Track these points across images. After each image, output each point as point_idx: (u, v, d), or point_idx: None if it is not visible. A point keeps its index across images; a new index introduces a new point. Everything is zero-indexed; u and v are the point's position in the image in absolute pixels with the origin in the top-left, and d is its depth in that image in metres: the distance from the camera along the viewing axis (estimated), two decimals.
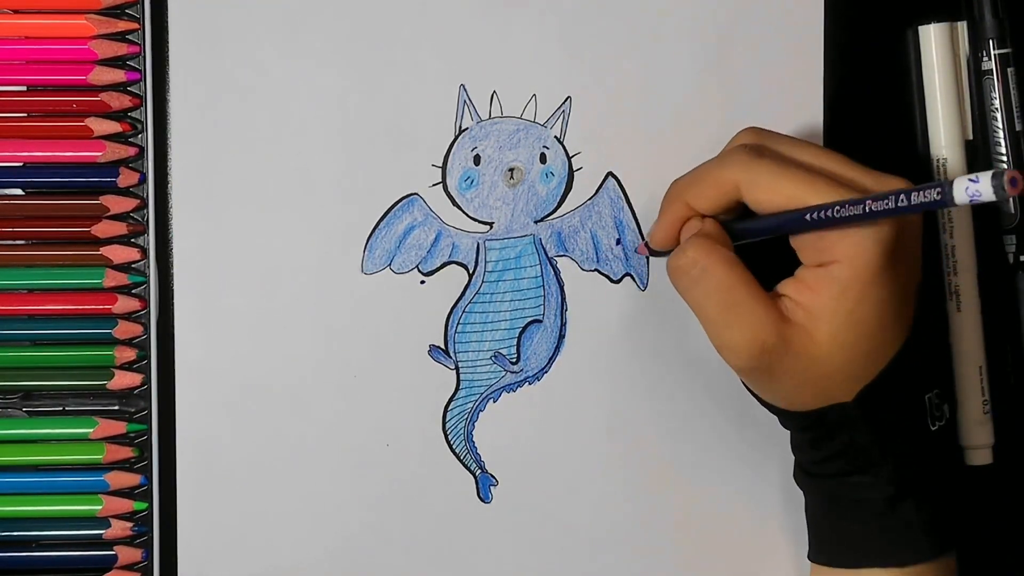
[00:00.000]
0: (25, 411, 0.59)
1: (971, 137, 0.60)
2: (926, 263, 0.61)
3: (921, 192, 0.44)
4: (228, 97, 0.58)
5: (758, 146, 0.52)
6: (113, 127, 0.58)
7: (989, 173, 0.42)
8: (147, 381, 0.58)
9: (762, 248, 0.53)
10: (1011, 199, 0.60)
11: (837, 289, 0.49)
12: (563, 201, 0.59)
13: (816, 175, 0.50)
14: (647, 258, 0.59)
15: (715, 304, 0.51)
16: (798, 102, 0.60)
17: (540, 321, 0.59)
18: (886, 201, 0.46)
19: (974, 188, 0.42)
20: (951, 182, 0.43)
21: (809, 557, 0.55)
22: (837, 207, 0.48)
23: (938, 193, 0.44)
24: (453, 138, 0.59)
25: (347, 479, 0.59)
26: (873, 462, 0.51)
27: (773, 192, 0.50)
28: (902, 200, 0.45)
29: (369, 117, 0.58)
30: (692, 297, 0.52)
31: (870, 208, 0.46)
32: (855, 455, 0.52)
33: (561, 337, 0.60)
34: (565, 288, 0.59)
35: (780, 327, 0.50)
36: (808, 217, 0.49)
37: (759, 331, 0.50)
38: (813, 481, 0.54)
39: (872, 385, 0.51)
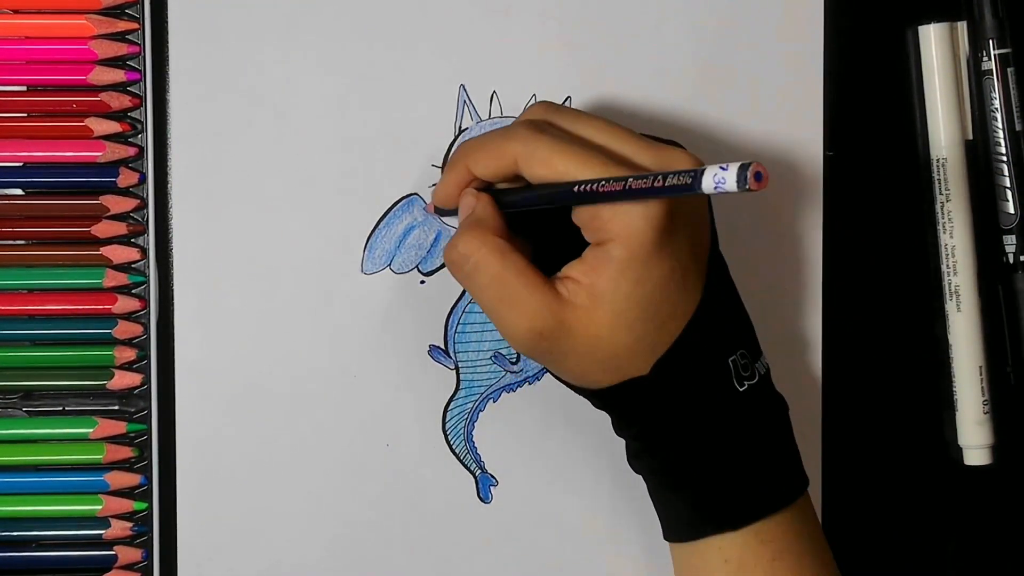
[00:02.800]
0: (25, 411, 0.59)
1: (971, 137, 0.61)
2: (926, 263, 0.61)
3: (676, 176, 0.45)
4: (228, 97, 0.58)
5: (542, 121, 0.52)
6: (113, 127, 0.58)
7: (737, 165, 0.42)
8: (147, 381, 0.58)
9: (550, 223, 0.52)
10: (1014, 201, 0.60)
11: (615, 269, 0.49)
12: None
13: (593, 151, 0.50)
14: None
15: (490, 296, 0.51)
16: (798, 102, 0.60)
17: None
18: (643, 180, 0.46)
19: (721, 176, 0.43)
20: (703, 170, 0.44)
21: (664, 538, 0.55)
22: (602, 183, 0.48)
23: (689, 178, 0.44)
24: (453, 138, 0.59)
25: (347, 479, 0.59)
26: (677, 430, 0.52)
27: (547, 167, 0.50)
28: (658, 181, 0.46)
29: (369, 117, 0.58)
30: (469, 288, 0.52)
31: (630, 186, 0.47)
32: (659, 425, 0.52)
33: None
34: None
35: (557, 311, 0.50)
36: (576, 189, 0.49)
37: (534, 319, 0.50)
38: (635, 461, 0.54)
39: (667, 355, 0.51)
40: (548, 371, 0.54)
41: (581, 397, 0.53)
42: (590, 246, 0.50)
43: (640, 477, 0.54)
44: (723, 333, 0.52)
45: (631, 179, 0.47)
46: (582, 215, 0.50)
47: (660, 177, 0.46)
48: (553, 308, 0.50)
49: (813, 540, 0.53)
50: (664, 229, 0.49)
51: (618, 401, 0.52)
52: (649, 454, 0.53)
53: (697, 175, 0.44)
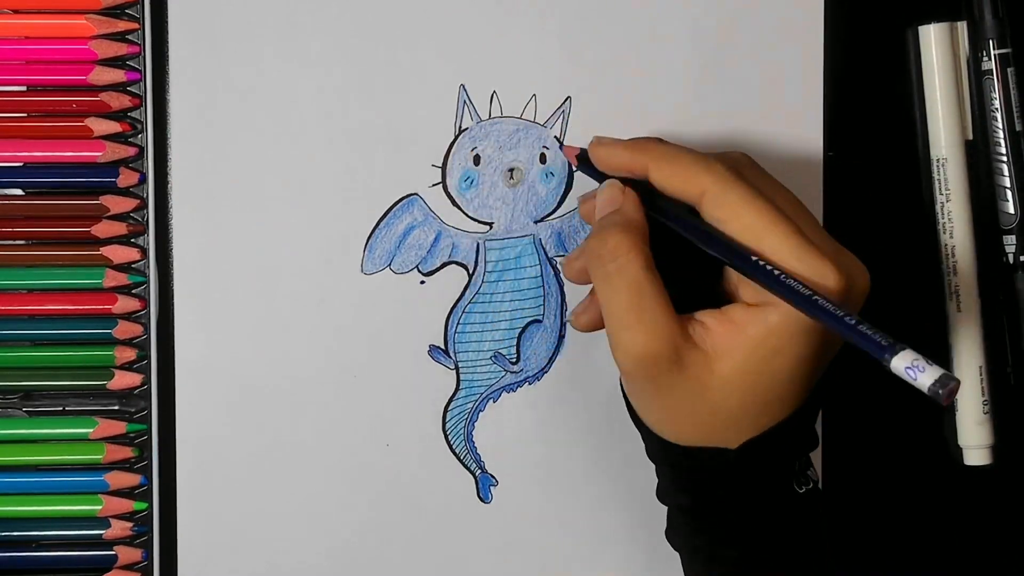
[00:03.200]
0: (25, 411, 0.59)
1: (971, 137, 0.61)
2: (926, 263, 0.61)
3: (871, 332, 0.44)
4: (228, 97, 0.58)
5: (742, 168, 0.51)
6: (113, 127, 0.58)
7: (937, 373, 0.42)
8: (147, 381, 0.58)
9: (687, 259, 0.51)
10: (1014, 201, 0.60)
11: (762, 332, 0.48)
12: (563, 201, 0.59)
13: (788, 222, 0.48)
14: None
15: (621, 301, 0.49)
16: (798, 102, 0.60)
17: (540, 321, 0.60)
18: (835, 310, 0.45)
19: (919, 368, 0.42)
20: (900, 350, 0.43)
21: None
22: (786, 276, 0.47)
23: (886, 343, 0.43)
24: (453, 138, 0.59)
25: (347, 479, 0.59)
26: (737, 514, 0.51)
27: (735, 216, 0.48)
28: (850, 319, 0.44)
29: (369, 117, 0.58)
30: (602, 287, 0.50)
31: (816, 300, 0.45)
32: (722, 504, 0.51)
33: (561, 337, 0.60)
34: (565, 288, 0.59)
35: (679, 344, 0.49)
36: (756, 260, 0.47)
37: (655, 340, 0.49)
38: (681, 531, 0.53)
39: (758, 440, 0.50)
40: (631, 416, 0.53)
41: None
42: (738, 304, 0.49)
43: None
44: (803, 436, 0.52)
45: (821, 298, 0.45)
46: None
47: (852, 319, 0.44)
48: (677, 340, 0.49)
49: None
50: None
51: (688, 464, 0.51)
52: (702, 529, 0.52)
53: (893, 349, 0.43)
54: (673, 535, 0.53)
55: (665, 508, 0.54)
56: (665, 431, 0.51)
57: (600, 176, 0.54)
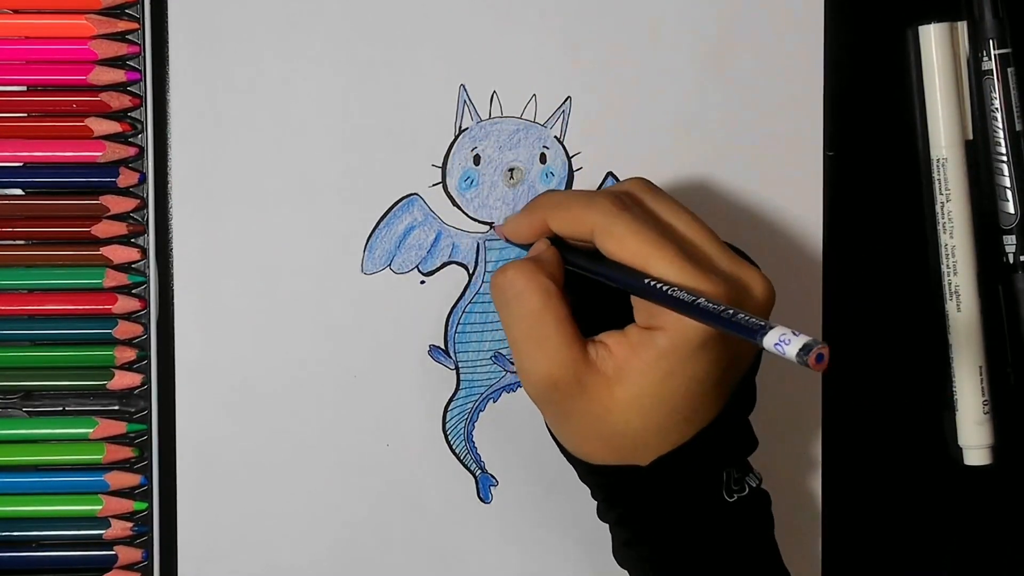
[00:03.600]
0: (25, 411, 0.59)
1: (971, 137, 0.61)
2: (926, 263, 0.61)
3: (746, 318, 0.45)
4: (228, 97, 0.58)
5: (628, 196, 0.52)
6: (113, 127, 0.58)
7: (804, 340, 0.43)
8: (147, 381, 0.58)
9: (602, 289, 0.52)
10: (1014, 201, 0.60)
11: (653, 355, 0.49)
12: None
13: (670, 243, 0.50)
14: None
15: (521, 329, 0.51)
16: (798, 102, 0.60)
17: None
18: (713, 306, 0.46)
19: (786, 339, 0.43)
20: (771, 327, 0.44)
21: None
22: (673, 288, 0.48)
23: (759, 326, 0.44)
24: (453, 138, 0.59)
25: (347, 479, 0.59)
26: (660, 529, 0.52)
27: (621, 246, 0.50)
28: (726, 313, 0.46)
29: (369, 117, 0.58)
30: (503, 316, 0.52)
31: (698, 304, 0.47)
32: (645, 518, 0.52)
33: None
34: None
35: (580, 370, 0.50)
36: (646, 282, 0.49)
37: (555, 367, 0.50)
38: (622, 551, 0.53)
39: (670, 455, 0.51)
40: (552, 439, 0.54)
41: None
42: (634, 324, 0.51)
43: None
44: (727, 446, 0.52)
45: (703, 300, 0.47)
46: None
47: (730, 311, 0.46)
48: (578, 365, 0.50)
49: None
50: (713, 338, 0.49)
51: (608, 482, 0.52)
52: (633, 545, 0.52)
53: (764, 329, 0.44)
54: (616, 554, 0.54)
55: None
56: (580, 452, 0.53)
57: (526, 247, 0.55)
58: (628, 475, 0.51)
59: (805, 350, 0.43)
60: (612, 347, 0.50)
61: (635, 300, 0.51)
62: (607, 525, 0.54)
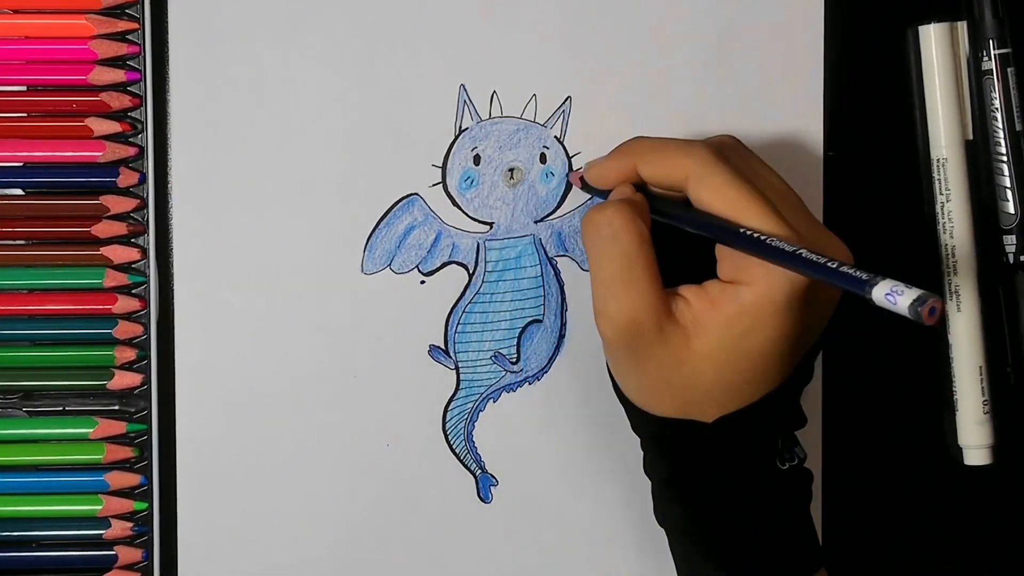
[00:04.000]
0: (25, 411, 0.59)
1: (971, 137, 0.61)
2: (925, 263, 0.61)
3: (852, 269, 0.45)
4: (228, 97, 0.58)
5: (726, 149, 0.52)
6: (113, 127, 0.58)
7: (915, 293, 0.42)
8: (147, 381, 0.58)
9: (681, 247, 0.52)
10: (1014, 201, 0.60)
11: (735, 310, 0.49)
12: (563, 201, 0.59)
13: (765, 199, 0.50)
14: None
15: (611, 270, 0.51)
16: (798, 102, 0.60)
17: (540, 321, 0.60)
18: (819, 258, 0.46)
19: (898, 291, 0.43)
20: (879, 279, 0.43)
21: None
22: (772, 238, 0.48)
23: (865, 277, 0.44)
24: (453, 138, 0.59)
25: (347, 479, 0.59)
26: (712, 488, 0.52)
27: (717, 195, 0.50)
28: (831, 263, 0.45)
29: (369, 117, 0.58)
30: (594, 254, 0.51)
31: (800, 254, 0.46)
32: (699, 477, 0.52)
33: (561, 337, 0.60)
34: (565, 288, 0.59)
35: (661, 317, 0.50)
36: (742, 231, 0.49)
37: (640, 310, 0.50)
38: (666, 507, 0.53)
39: (735, 415, 0.51)
40: (614, 389, 0.54)
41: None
42: (715, 280, 0.50)
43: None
44: (784, 415, 0.52)
45: (805, 251, 0.46)
46: (728, 250, 0.50)
47: (835, 262, 0.45)
48: (661, 312, 0.50)
49: None
50: (799, 299, 0.49)
51: (665, 435, 0.52)
52: (682, 503, 0.52)
53: (874, 279, 0.43)
54: (658, 511, 0.54)
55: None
56: (644, 403, 0.52)
57: (604, 193, 0.55)
58: (689, 430, 0.51)
59: (919, 302, 0.41)
60: (691, 300, 0.50)
61: (720, 254, 0.50)
62: (649, 487, 0.53)
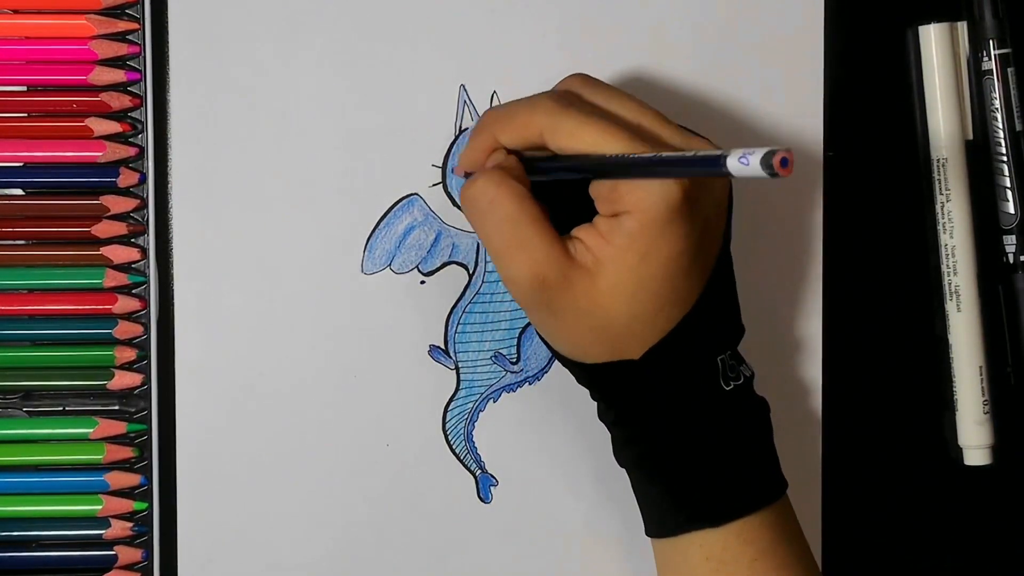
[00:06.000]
0: (25, 411, 0.59)
1: (971, 137, 0.61)
2: (926, 263, 0.61)
3: (703, 153, 0.45)
4: (228, 97, 0.58)
5: (569, 93, 0.52)
6: (113, 127, 0.58)
7: (762, 151, 0.42)
8: (147, 381, 0.58)
9: (566, 194, 0.52)
10: (1014, 201, 0.60)
11: (625, 240, 0.49)
12: None
13: (620, 127, 0.50)
14: None
15: (501, 237, 0.51)
16: (798, 102, 0.60)
17: None
18: (674, 155, 0.47)
19: (747, 161, 0.43)
20: (729, 152, 0.43)
21: (646, 533, 0.55)
22: (632, 155, 0.48)
23: (717, 159, 0.44)
24: (453, 138, 0.59)
25: (347, 479, 0.59)
26: (658, 422, 0.52)
27: (574, 139, 0.50)
28: (687, 156, 0.46)
29: (369, 117, 0.58)
30: (479, 228, 0.51)
31: (657, 158, 0.47)
32: (643, 414, 0.52)
33: None
34: None
35: (563, 265, 0.50)
36: (605, 159, 0.49)
37: (540, 265, 0.50)
38: (620, 452, 0.54)
39: (661, 344, 0.51)
40: (543, 342, 0.54)
41: (578, 393, 0.53)
42: (599, 216, 0.50)
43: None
44: (717, 331, 0.52)
45: (662, 154, 0.47)
46: (601, 187, 0.50)
47: (689, 152, 0.46)
48: (560, 260, 0.50)
49: (794, 542, 0.54)
50: (679, 210, 0.49)
51: (604, 381, 0.52)
52: (633, 443, 0.53)
53: (724, 154, 0.43)
54: (616, 454, 0.54)
55: None
56: (573, 353, 0.53)
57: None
58: (622, 370, 0.51)
59: (767, 157, 0.42)
60: (586, 240, 0.50)
61: (595, 191, 0.50)
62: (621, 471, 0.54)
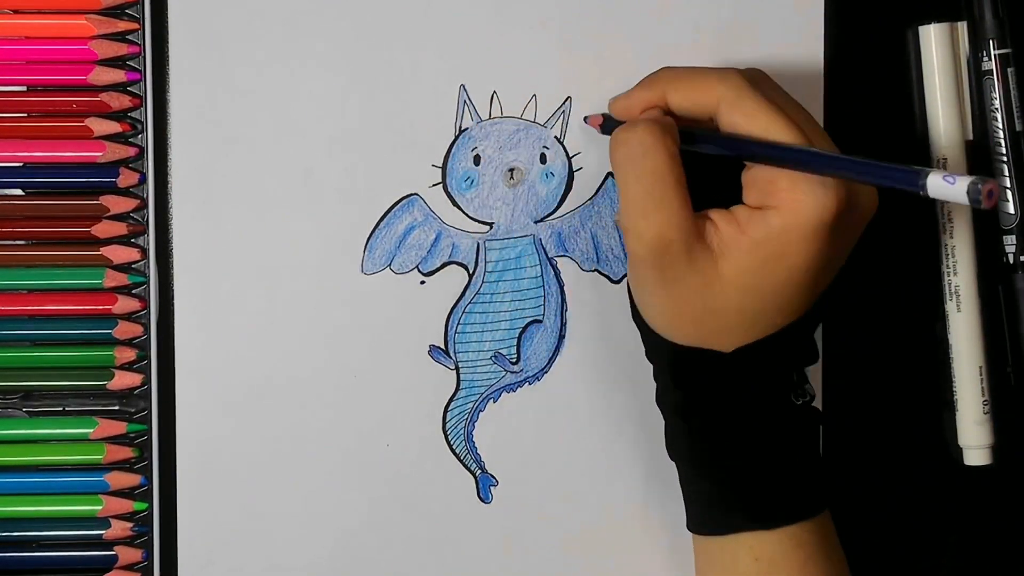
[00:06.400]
0: (25, 411, 0.59)
1: (971, 137, 0.60)
2: (925, 263, 0.61)
3: (901, 165, 0.44)
4: (228, 97, 0.58)
5: (755, 74, 0.52)
6: (113, 127, 0.58)
7: (971, 177, 0.41)
8: (147, 381, 0.58)
9: (705, 177, 0.52)
10: (1014, 201, 0.60)
11: (762, 234, 0.49)
12: (563, 201, 0.59)
13: (796, 125, 0.49)
14: None
15: (642, 187, 0.50)
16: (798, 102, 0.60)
17: (540, 321, 0.60)
18: (865, 159, 0.45)
19: (953, 179, 0.42)
20: (930, 171, 0.43)
21: (689, 528, 0.55)
22: (817, 149, 0.47)
23: (916, 173, 0.43)
24: (453, 138, 0.59)
25: (347, 479, 0.59)
26: (726, 420, 0.52)
27: (750, 119, 0.49)
28: (879, 163, 0.45)
29: (369, 117, 0.58)
30: (623, 173, 0.51)
31: (845, 157, 0.46)
32: (710, 408, 0.52)
33: (561, 337, 0.60)
34: (565, 288, 0.59)
35: (690, 237, 0.49)
36: (784, 145, 0.48)
37: (670, 228, 0.49)
38: (676, 442, 0.53)
39: (755, 345, 0.51)
40: (633, 316, 0.53)
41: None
42: (742, 205, 0.50)
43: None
44: (800, 347, 0.52)
45: (852, 156, 0.46)
46: (758, 176, 0.49)
47: (882, 162, 0.45)
48: (690, 232, 0.49)
49: (836, 550, 0.54)
50: (827, 224, 0.48)
51: (685, 365, 0.52)
52: (694, 437, 0.52)
53: (923, 171, 0.42)
54: (671, 444, 0.54)
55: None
56: (664, 328, 0.52)
57: None
58: (706, 359, 0.51)
59: (975, 184, 0.40)
60: (719, 224, 0.50)
61: (747, 180, 0.50)
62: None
